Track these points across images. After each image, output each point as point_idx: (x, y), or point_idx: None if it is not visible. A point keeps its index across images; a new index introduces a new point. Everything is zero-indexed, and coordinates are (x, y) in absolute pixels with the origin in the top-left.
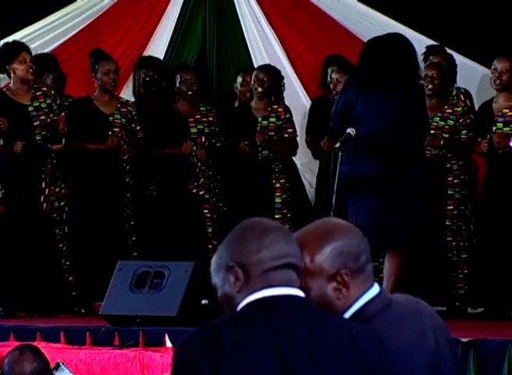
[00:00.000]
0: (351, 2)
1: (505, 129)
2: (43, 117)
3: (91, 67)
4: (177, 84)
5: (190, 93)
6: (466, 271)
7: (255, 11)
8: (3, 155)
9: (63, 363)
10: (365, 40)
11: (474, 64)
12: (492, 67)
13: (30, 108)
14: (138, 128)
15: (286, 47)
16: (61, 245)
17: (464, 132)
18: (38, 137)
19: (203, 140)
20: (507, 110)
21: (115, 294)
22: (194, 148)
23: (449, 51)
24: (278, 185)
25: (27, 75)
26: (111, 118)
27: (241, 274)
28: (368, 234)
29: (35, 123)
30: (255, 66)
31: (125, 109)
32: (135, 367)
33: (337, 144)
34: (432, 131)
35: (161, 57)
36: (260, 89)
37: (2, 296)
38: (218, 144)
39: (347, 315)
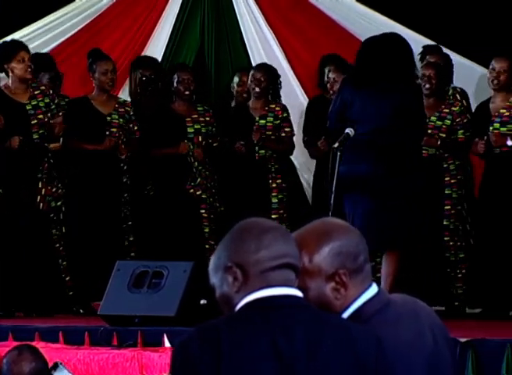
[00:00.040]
0: (349, 2)
1: (502, 129)
2: (41, 116)
3: (89, 67)
4: (174, 84)
5: (187, 93)
6: (464, 271)
7: (253, 11)
8: (0, 154)
9: (61, 363)
10: (363, 40)
11: (472, 64)
12: (490, 67)
13: (28, 107)
14: (136, 128)
15: (285, 47)
16: (58, 245)
17: (460, 132)
18: (35, 136)
19: (200, 139)
20: (504, 110)
21: (114, 294)
22: (191, 147)
23: (447, 51)
24: (274, 185)
25: (25, 74)
26: (108, 118)
27: (239, 274)
28: (365, 234)
29: (33, 122)
30: (253, 65)
31: (122, 109)
32: (133, 367)
33: (336, 144)
34: (429, 131)
35: (160, 57)
36: (257, 89)
37: (1, 296)
38: (214, 144)
39: (346, 315)
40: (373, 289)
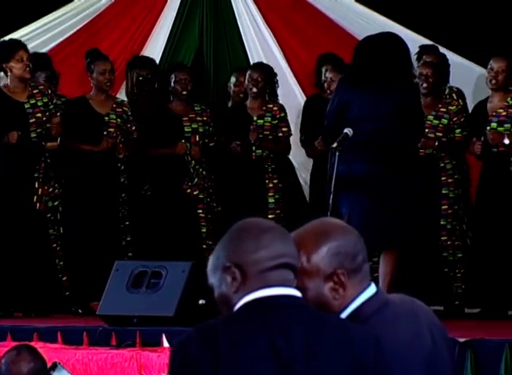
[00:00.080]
0: (348, 2)
1: (499, 129)
2: (39, 115)
3: (87, 67)
4: (172, 84)
5: (184, 93)
6: (462, 270)
7: (252, 10)
8: None
9: (60, 363)
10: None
11: (470, 64)
12: (489, 67)
13: (27, 106)
14: (133, 128)
15: (283, 46)
16: (55, 245)
17: (458, 131)
18: (33, 135)
19: (197, 139)
20: (502, 110)
21: (113, 294)
22: (188, 145)
23: (446, 51)
24: (271, 185)
25: (24, 73)
26: (106, 118)
27: (238, 274)
28: (363, 234)
29: (31, 121)
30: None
31: (120, 109)
32: (132, 367)
33: (334, 144)
34: (426, 130)
35: (159, 57)
36: (255, 89)
37: None
38: (211, 144)
39: (344, 315)
40: (371, 289)
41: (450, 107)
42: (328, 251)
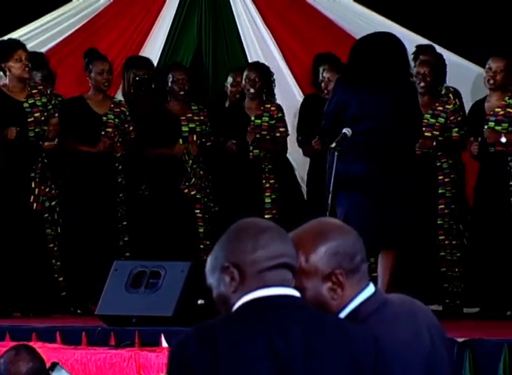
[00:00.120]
0: (347, 2)
1: (497, 128)
2: (37, 114)
3: (85, 67)
4: (169, 84)
5: (181, 93)
6: (461, 270)
7: (251, 10)
8: None
9: (59, 363)
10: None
11: (469, 64)
12: (487, 66)
13: (25, 105)
14: (131, 128)
15: (282, 46)
16: (52, 245)
17: (455, 130)
18: (31, 134)
19: (194, 138)
20: (499, 109)
21: (111, 294)
22: (186, 145)
23: (444, 50)
24: (268, 185)
25: (23, 73)
26: (104, 118)
27: (236, 274)
28: (360, 234)
29: (29, 120)
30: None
31: (118, 110)
32: (131, 367)
33: (333, 144)
34: (423, 128)
35: (157, 57)
36: (252, 90)
37: None
38: (208, 144)
39: (342, 315)
40: (370, 289)
41: (447, 106)
42: (327, 252)
